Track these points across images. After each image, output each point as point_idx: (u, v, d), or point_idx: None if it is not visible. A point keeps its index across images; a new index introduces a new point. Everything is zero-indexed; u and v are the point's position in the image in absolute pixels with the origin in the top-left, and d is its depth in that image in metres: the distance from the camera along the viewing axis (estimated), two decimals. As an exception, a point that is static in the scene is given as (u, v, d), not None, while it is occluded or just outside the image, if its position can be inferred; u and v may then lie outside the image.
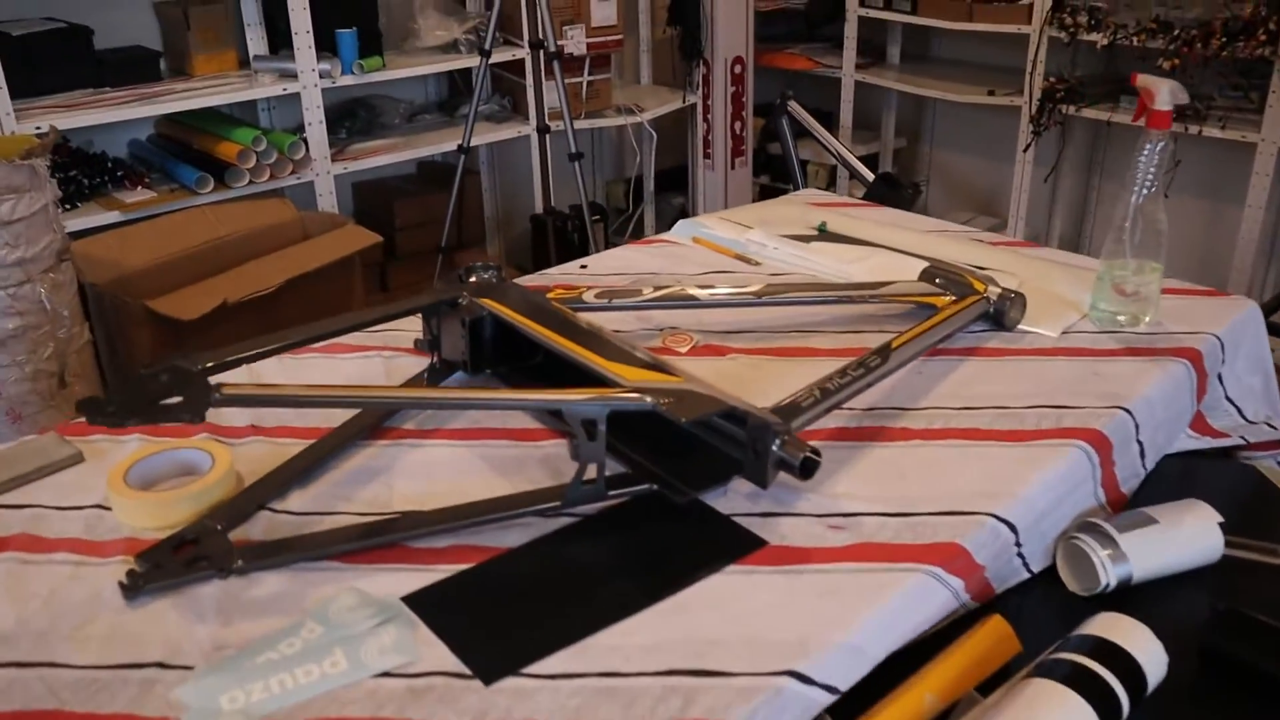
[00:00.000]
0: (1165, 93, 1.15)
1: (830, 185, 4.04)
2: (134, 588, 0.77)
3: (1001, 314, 1.22)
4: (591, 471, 0.85)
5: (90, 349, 2.02)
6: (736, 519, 0.87)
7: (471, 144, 2.75)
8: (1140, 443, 1.12)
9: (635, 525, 0.87)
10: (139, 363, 2.08)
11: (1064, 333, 1.22)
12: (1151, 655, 0.91)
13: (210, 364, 0.82)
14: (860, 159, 3.41)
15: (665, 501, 0.88)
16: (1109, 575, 1.07)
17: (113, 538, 0.86)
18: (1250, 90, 2.82)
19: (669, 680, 0.70)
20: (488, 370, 1.08)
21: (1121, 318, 1.25)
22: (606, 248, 3.10)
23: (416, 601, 0.78)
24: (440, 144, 2.88)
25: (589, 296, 1.19)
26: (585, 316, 1.07)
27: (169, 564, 0.80)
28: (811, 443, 0.86)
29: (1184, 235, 3.26)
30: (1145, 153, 1.17)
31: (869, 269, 1.38)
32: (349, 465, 0.96)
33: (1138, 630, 0.93)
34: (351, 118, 2.85)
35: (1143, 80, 1.18)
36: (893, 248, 1.46)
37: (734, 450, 0.89)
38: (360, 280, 2.55)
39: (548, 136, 2.82)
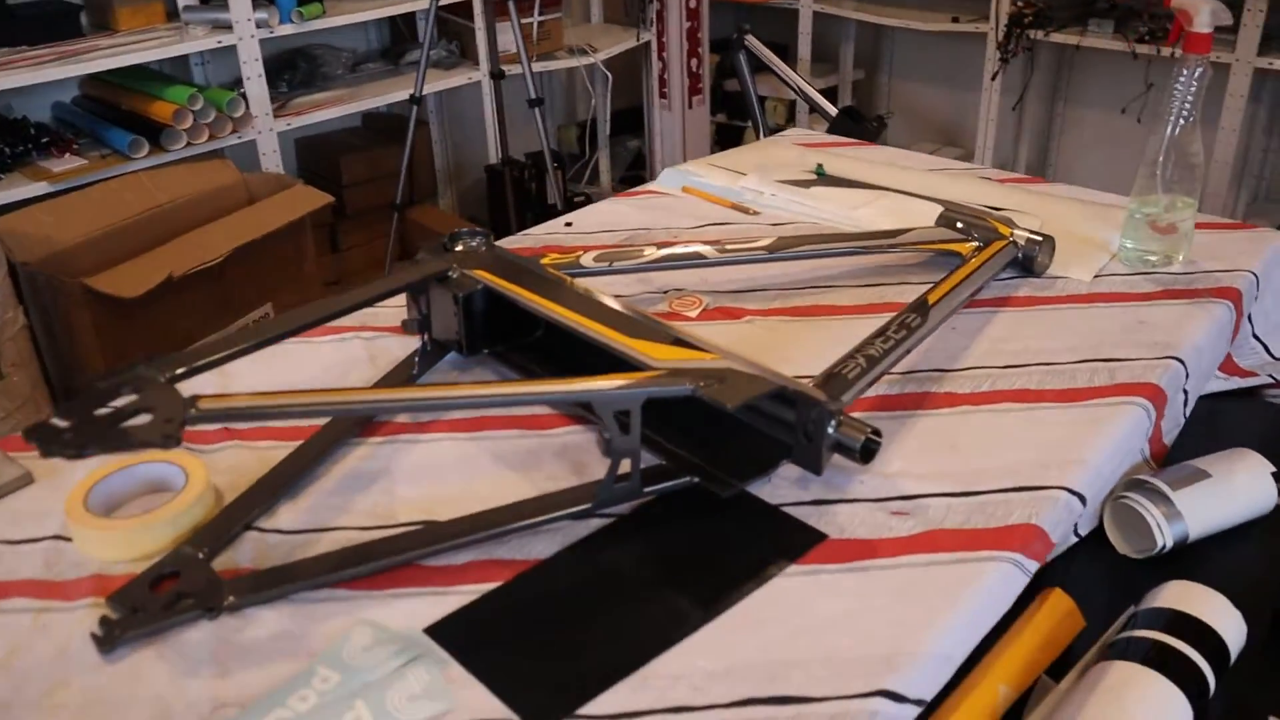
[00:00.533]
0: (1206, 13, 1.06)
1: (789, 121, 3.93)
2: (109, 639, 0.66)
3: (1031, 259, 1.14)
4: (625, 467, 0.75)
5: (26, 334, 1.86)
6: (786, 509, 0.78)
7: (423, 93, 2.59)
8: (1185, 391, 1.05)
9: (675, 524, 0.77)
10: (82, 346, 1.93)
11: (1096, 276, 1.14)
12: (1231, 626, 0.85)
13: (180, 370, 0.70)
14: (819, 93, 3.30)
15: (705, 495, 0.79)
16: (1165, 536, 1.00)
17: (77, 575, 0.74)
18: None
19: (747, 712, 0.61)
20: (485, 350, 0.97)
21: (1153, 257, 1.17)
22: (565, 197, 2.97)
23: (442, 633, 0.68)
24: (388, 94, 2.72)
25: (587, 260, 1.08)
26: (584, 283, 0.96)
27: (148, 605, 0.69)
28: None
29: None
30: (1182, 79, 1.08)
31: (878, 214, 1.29)
32: (341, 470, 0.85)
33: (1215, 600, 0.87)
34: (291, 70, 2.67)
35: (1178, 0, 1.08)
36: (897, 189, 1.36)
37: (779, 433, 0.80)
38: (312, 244, 2.40)
39: (500, 82, 2.67)
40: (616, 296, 0.90)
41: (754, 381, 0.75)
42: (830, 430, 0.76)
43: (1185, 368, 1.00)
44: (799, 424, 0.77)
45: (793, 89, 3.36)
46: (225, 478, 0.83)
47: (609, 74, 3.35)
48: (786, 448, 0.79)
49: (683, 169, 1.47)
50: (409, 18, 2.95)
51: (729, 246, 1.11)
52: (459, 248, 1.01)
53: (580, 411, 0.88)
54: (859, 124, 3.23)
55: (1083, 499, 0.83)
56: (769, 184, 1.38)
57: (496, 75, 2.63)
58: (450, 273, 0.95)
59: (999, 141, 3.31)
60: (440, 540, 0.74)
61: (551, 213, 3.04)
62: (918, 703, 0.65)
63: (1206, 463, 1.06)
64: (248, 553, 0.76)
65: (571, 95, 3.80)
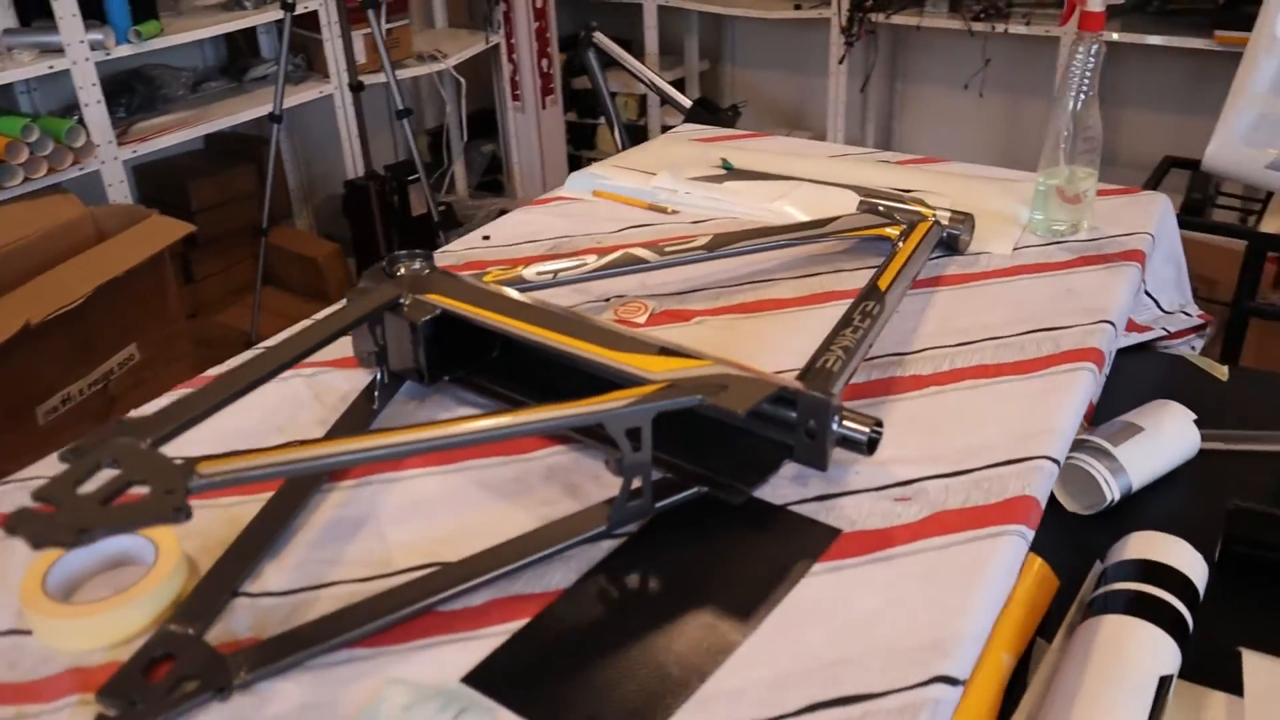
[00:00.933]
0: (1098, -8, 1.12)
1: (641, 115, 3.95)
2: (117, 739, 0.60)
3: (955, 238, 1.17)
4: (635, 484, 0.74)
5: None
6: (793, 509, 0.78)
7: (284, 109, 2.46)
8: (1110, 351, 1.11)
9: (687, 538, 0.76)
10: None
11: (1015, 249, 1.19)
12: (1197, 567, 0.90)
13: (163, 433, 0.64)
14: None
15: (710, 506, 0.78)
16: (1113, 490, 1.06)
17: (49, 672, 0.67)
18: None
19: (816, 716, 0.61)
20: (445, 377, 0.93)
21: (1061, 226, 1.23)
22: (432, 208, 2.89)
23: (482, 680, 0.64)
24: (240, 112, 2.57)
25: (529, 274, 1.05)
26: (534, 297, 0.94)
27: (147, 696, 0.63)
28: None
29: (997, 129, 3.39)
30: (1079, 56, 1.14)
31: (796, 205, 1.31)
32: (320, 520, 0.80)
33: (1178, 545, 0.92)
34: (128, 93, 2.50)
35: (1071, -20, 1.14)
36: (807, 179, 1.39)
37: (774, 433, 0.80)
38: (173, 277, 2.26)
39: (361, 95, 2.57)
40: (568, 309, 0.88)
41: (757, 386, 0.75)
42: (835, 426, 0.76)
43: (1115, 329, 1.06)
44: (800, 422, 0.77)
45: (645, 83, 3.37)
46: (193, 542, 0.77)
47: (462, 80, 3.29)
48: (786, 448, 0.79)
49: (589, 173, 1.45)
50: (249, 33, 2.81)
51: (668, 249, 1.10)
52: (401, 271, 0.96)
53: (566, 431, 0.86)
54: (715, 114, 3.27)
55: (1058, 464, 0.86)
56: (682, 182, 1.38)
57: (356, 87, 2.53)
58: (402, 300, 0.91)
59: (847, 122, 3.42)
60: (458, 582, 0.70)
61: (418, 225, 2.96)
62: (963, 683, 0.66)
63: (1136, 416, 1.12)
64: (243, 622, 0.70)
65: (420, 102, 3.70)
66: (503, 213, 3.60)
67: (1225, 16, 2.54)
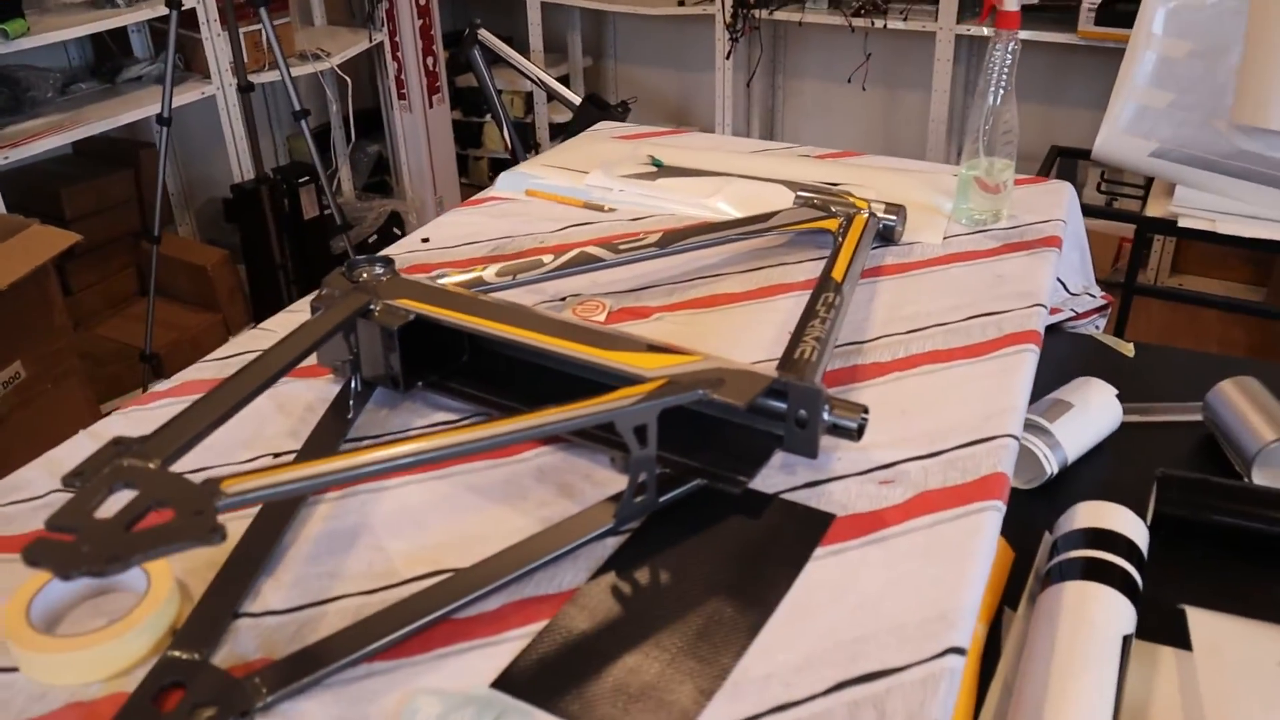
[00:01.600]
0: (1015, -8, 1.18)
1: (528, 112, 3.94)
2: (143, 773, 0.58)
3: (891, 229, 1.22)
4: (640, 478, 0.75)
5: None
6: (785, 496, 0.81)
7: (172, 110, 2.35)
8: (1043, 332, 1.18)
9: (690, 530, 0.77)
10: None
11: (944, 238, 1.25)
12: (1140, 532, 0.97)
13: (167, 454, 0.61)
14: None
15: (705, 498, 0.80)
16: (1051, 464, 1.12)
17: (46, 710, 0.64)
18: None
19: (846, 695, 0.63)
20: (419, 383, 0.92)
21: (982, 215, 1.29)
22: (335, 210, 2.81)
23: (512, 683, 0.64)
24: (117, 115, 2.45)
25: (489, 275, 1.04)
26: (497, 297, 0.94)
27: (167, 725, 0.61)
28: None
29: (877, 121, 3.51)
30: (998, 53, 1.20)
31: (731, 200, 1.33)
32: (311, 534, 0.78)
33: (1122, 513, 0.98)
34: (-8, 96, 2.35)
35: (989, -19, 1.20)
36: (736, 174, 1.42)
37: (761, 423, 0.82)
38: (57, 290, 2.13)
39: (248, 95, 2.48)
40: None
41: (751, 378, 0.77)
42: (825, 415, 0.79)
43: (1045, 311, 1.12)
44: (790, 412, 0.80)
45: (532, 80, 3.36)
46: (179, 564, 0.74)
47: (349, 79, 3.21)
48: (775, 437, 0.82)
49: (520, 172, 1.45)
50: (118, 33, 2.67)
51: (622, 246, 1.11)
52: (363, 277, 0.94)
53: (566, 432, 0.86)
54: (605, 111, 3.29)
55: (1019, 441, 0.91)
56: (615, 180, 1.39)
57: (246, 88, 2.44)
58: (372, 306, 0.89)
59: (735, 118, 3.49)
60: (473, 588, 0.70)
61: (311, 228, 2.87)
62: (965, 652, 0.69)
63: (1064, 393, 1.20)
64: (250, 644, 0.68)
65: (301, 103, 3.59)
66: (393, 214, 3.53)
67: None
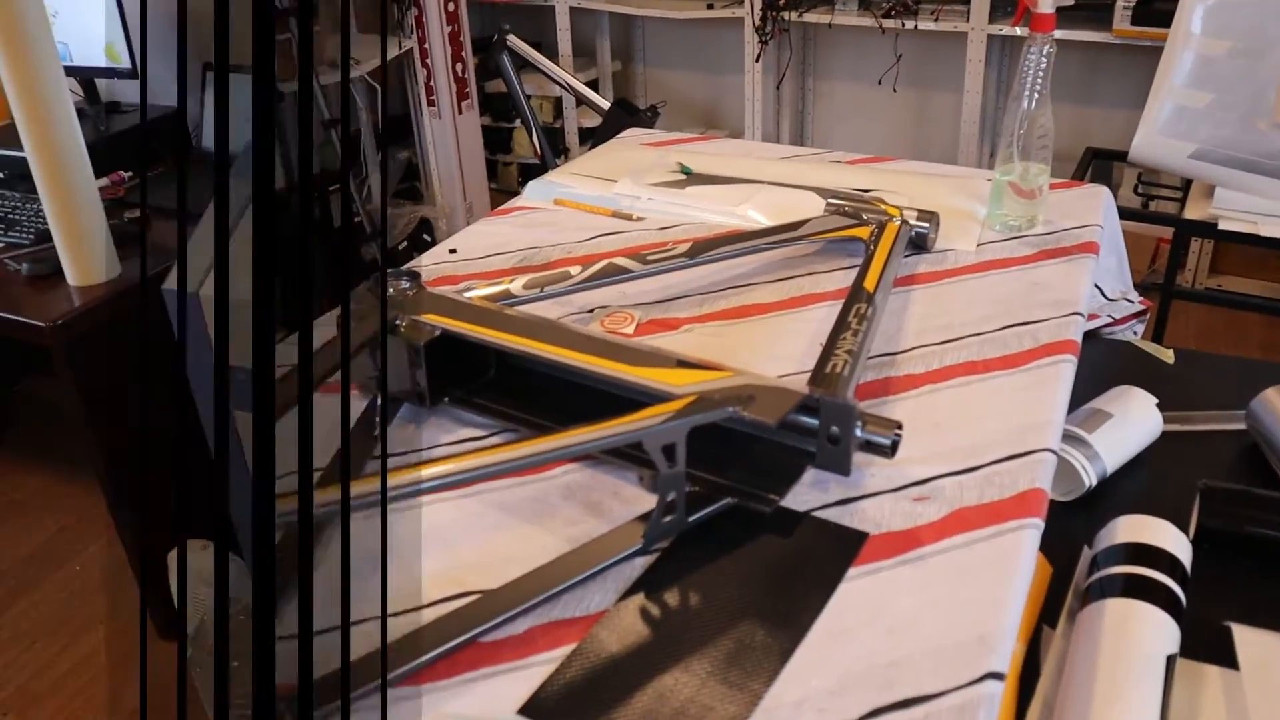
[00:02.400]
0: (1049, -6, 1.16)
1: (557, 117, 3.94)
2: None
3: (924, 236, 1.20)
4: (670, 498, 0.73)
5: None
6: (816, 514, 0.79)
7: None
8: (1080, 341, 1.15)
9: (719, 551, 0.76)
10: None
11: (978, 245, 1.23)
12: (1183, 548, 0.94)
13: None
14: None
15: (735, 517, 0.78)
16: (1090, 476, 1.10)
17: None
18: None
19: (882, 722, 0.62)
20: (445, 399, 0.92)
21: (1017, 221, 1.27)
22: (367, 218, 2.82)
23: (540, 709, 0.63)
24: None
25: (517, 288, 1.03)
26: (525, 311, 0.93)
27: (195, 750, 0.60)
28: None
29: (908, 123, 3.48)
30: (1032, 56, 1.18)
31: (762, 208, 1.32)
32: (333, 554, 0.78)
33: (1164, 527, 0.96)
34: None
35: (1022, -17, 1.18)
36: (766, 181, 1.40)
37: (791, 439, 0.80)
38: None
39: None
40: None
41: (782, 395, 0.75)
42: (858, 431, 0.77)
43: (1083, 319, 1.10)
44: (822, 428, 0.78)
45: (561, 85, 3.37)
46: (207, 586, 0.74)
47: (378, 86, 3.22)
48: (807, 454, 0.80)
49: (548, 180, 1.44)
50: (152, 42, 2.70)
51: (651, 257, 1.10)
52: (389, 291, 0.94)
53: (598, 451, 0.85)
54: (634, 115, 3.28)
55: (1057, 455, 0.89)
56: (644, 188, 1.38)
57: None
58: (398, 321, 0.89)
59: (764, 120, 3.47)
60: (500, 611, 0.69)
61: (341, 236, 2.89)
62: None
63: (1103, 403, 1.17)
64: (280, 668, 0.68)
65: (330, 110, 3.61)
66: (423, 220, 3.54)
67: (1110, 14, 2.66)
